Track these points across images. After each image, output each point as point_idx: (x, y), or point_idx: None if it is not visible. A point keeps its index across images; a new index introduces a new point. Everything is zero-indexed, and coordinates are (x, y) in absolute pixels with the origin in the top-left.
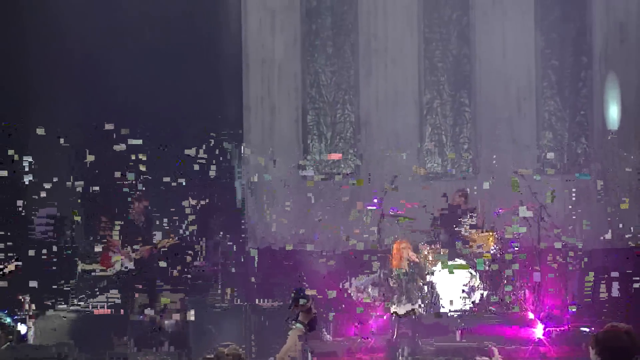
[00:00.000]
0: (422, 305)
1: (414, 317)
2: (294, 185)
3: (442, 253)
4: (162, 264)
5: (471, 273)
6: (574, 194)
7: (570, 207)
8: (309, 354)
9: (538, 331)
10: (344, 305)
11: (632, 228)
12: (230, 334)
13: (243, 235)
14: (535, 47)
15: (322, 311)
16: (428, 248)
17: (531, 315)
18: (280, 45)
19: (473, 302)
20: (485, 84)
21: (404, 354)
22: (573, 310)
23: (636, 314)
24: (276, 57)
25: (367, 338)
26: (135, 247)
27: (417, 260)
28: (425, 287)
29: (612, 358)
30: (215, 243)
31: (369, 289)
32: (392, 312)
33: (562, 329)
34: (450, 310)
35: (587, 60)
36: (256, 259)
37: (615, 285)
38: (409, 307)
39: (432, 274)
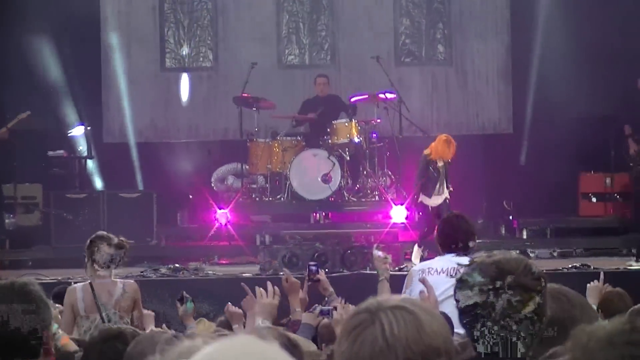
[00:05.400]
0: None
1: None
2: (153, 77)
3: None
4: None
5: (332, 162)
6: (431, 84)
7: (427, 97)
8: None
9: (399, 216)
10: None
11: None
12: (88, 223)
13: (101, 127)
14: None
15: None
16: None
17: (392, 203)
18: None
19: (333, 191)
20: None
21: (263, 240)
22: None
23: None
24: None
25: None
26: None
27: None
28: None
29: (447, 240)
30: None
31: (229, 180)
32: None
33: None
34: (309, 199)
35: None
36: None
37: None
38: None
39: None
